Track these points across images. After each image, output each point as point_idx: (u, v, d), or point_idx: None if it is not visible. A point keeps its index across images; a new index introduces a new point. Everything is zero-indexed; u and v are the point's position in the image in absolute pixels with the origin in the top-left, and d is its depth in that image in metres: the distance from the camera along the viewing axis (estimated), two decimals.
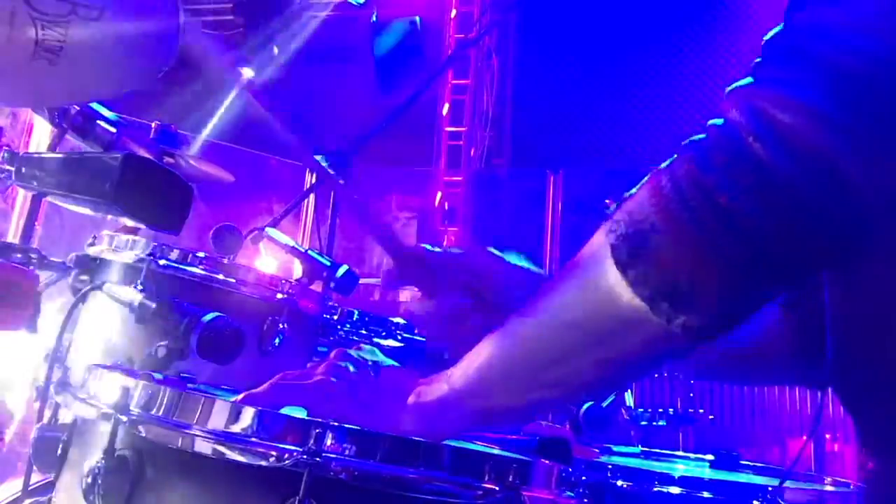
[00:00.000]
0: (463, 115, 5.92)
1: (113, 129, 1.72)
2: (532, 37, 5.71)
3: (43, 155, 1.49)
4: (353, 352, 0.96)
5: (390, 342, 2.11)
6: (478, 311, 0.97)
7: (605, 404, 1.47)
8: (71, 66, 1.13)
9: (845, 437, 3.17)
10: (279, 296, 1.80)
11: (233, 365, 1.32)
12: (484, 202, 5.76)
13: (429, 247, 1.02)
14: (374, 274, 5.28)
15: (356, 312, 2.09)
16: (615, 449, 1.44)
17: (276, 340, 1.77)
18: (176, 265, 1.69)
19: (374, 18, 5.74)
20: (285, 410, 0.81)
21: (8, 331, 1.28)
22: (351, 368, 0.90)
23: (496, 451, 0.95)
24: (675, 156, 0.67)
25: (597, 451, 1.36)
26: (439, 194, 5.81)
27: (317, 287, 1.96)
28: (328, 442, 0.71)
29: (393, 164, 5.42)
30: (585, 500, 0.81)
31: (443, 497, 0.71)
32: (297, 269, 2.02)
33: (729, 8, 5.27)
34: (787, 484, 1.02)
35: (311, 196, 3.59)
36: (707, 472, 1.30)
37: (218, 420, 0.75)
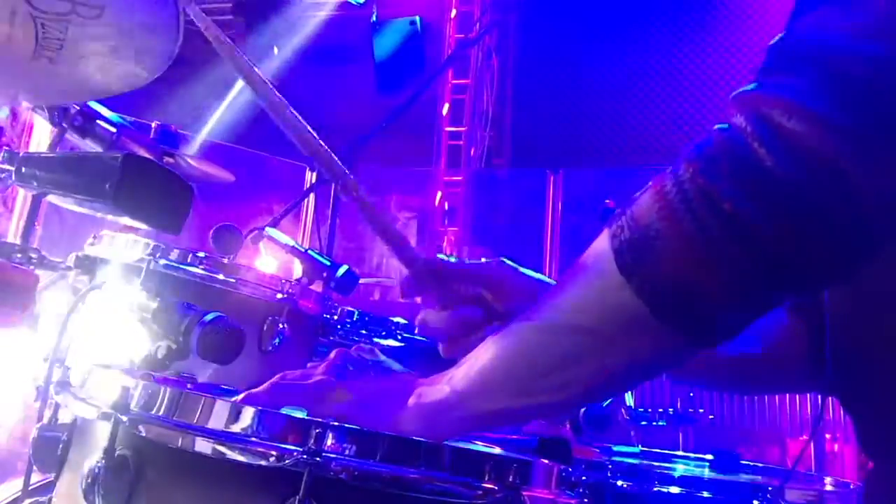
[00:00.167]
0: (463, 115, 5.92)
1: (113, 129, 1.72)
2: (532, 37, 5.71)
3: (43, 155, 1.49)
4: (353, 352, 0.96)
5: (390, 342, 2.11)
6: (491, 323, 0.97)
7: (605, 404, 1.47)
8: (71, 65, 1.13)
9: (845, 437, 3.17)
10: (279, 296, 1.80)
11: (233, 365, 1.32)
12: (484, 202, 5.76)
13: (444, 257, 1.01)
14: (374, 274, 5.28)
15: (356, 312, 2.09)
16: (615, 449, 1.44)
17: (276, 340, 1.77)
18: (176, 265, 1.69)
19: (374, 18, 5.74)
20: (285, 410, 0.81)
21: (8, 330, 1.28)
22: (351, 368, 0.90)
23: (496, 451, 0.95)
24: (680, 160, 0.66)
25: (597, 451, 1.36)
26: (439, 194, 5.81)
27: (317, 287, 1.96)
28: (328, 442, 0.71)
29: (393, 164, 5.42)
30: (585, 500, 0.81)
31: (443, 497, 0.71)
32: (297, 269, 2.02)
33: (729, 8, 5.27)
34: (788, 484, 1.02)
35: (311, 196, 3.59)
36: (707, 472, 1.30)
37: (218, 420, 0.75)
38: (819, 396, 1.12)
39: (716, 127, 0.65)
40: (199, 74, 4.70)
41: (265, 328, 1.77)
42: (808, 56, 0.62)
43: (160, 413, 0.78)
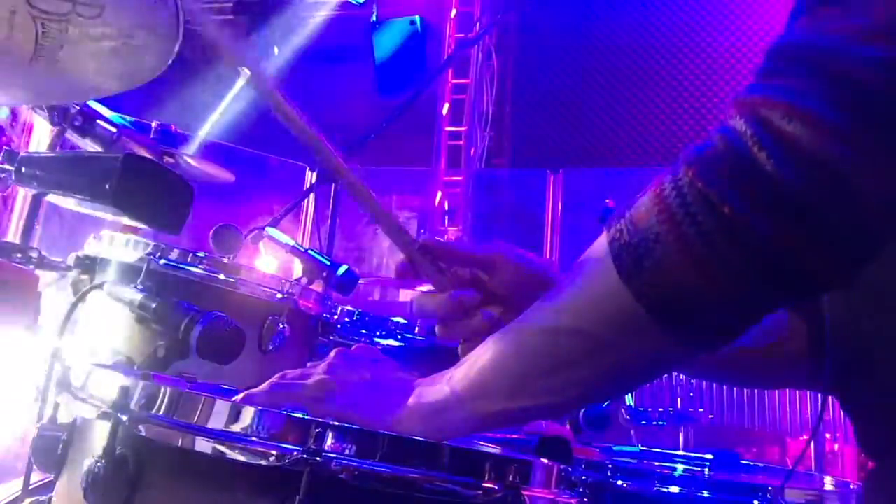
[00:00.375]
0: (463, 115, 5.92)
1: (113, 129, 1.72)
2: (532, 37, 5.71)
3: (43, 155, 1.49)
4: (353, 351, 0.96)
5: (390, 342, 2.11)
6: (487, 305, 0.97)
7: (604, 404, 1.47)
8: (71, 66, 1.13)
9: (845, 437, 3.17)
10: (279, 296, 1.81)
11: (233, 365, 1.32)
12: (484, 202, 5.76)
13: (438, 240, 1.02)
14: (374, 274, 5.29)
15: (356, 312, 2.09)
16: (615, 449, 1.44)
17: (276, 340, 1.77)
18: (176, 265, 1.69)
19: (374, 18, 5.74)
20: (285, 411, 0.81)
21: (8, 330, 1.28)
22: (351, 368, 0.90)
23: (496, 451, 0.95)
24: (679, 163, 0.66)
25: (597, 451, 1.36)
26: (439, 194, 5.81)
27: (317, 287, 1.96)
28: (328, 442, 0.71)
29: (393, 164, 5.42)
30: (585, 500, 0.81)
31: (443, 497, 0.71)
32: (297, 269, 2.02)
33: (730, 8, 5.27)
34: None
35: (311, 196, 3.59)
36: (707, 472, 1.30)
37: (218, 420, 0.75)
38: (819, 396, 1.12)
39: (715, 130, 0.65)
40: (199, 74, 4.70)
41: (265, 328, 1.77)
42: (808, 59, 0.62)
43: (160, 413, 0.78)
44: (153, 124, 2.09)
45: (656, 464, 1.38)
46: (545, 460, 0.79)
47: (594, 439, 1.46)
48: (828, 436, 3.11)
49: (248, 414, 0.74)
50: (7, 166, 1.37)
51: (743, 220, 0.60)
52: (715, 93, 5.18)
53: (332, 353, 0.93)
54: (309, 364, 0.93)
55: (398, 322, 2.13)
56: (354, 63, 5.73)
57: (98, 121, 1.66)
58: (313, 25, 5.71)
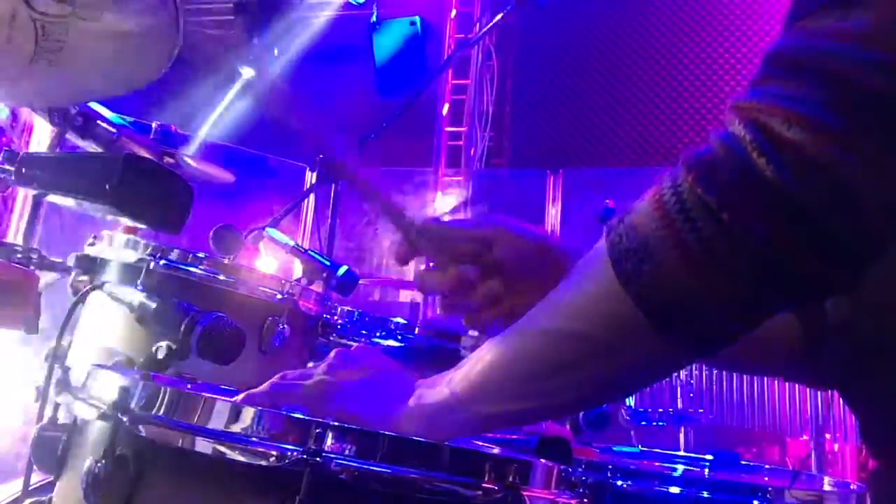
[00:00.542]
0: (463, 115, 5.92)
1: (113, 129, 1.72)
2: (532, 37, 5.71)
3: (43, 155, 1.49)
4: (353, 351, 0.96)
5: (390, 342, 2.11)
6: (488, 278, 0.97)
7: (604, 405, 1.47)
8: (71, 67, 1.13)
9: (845, 437, 3.17)
10: (279, 296, 1.80)
11: (233, 365, 1.32)
12: (484, 202, 5.76)
13: (437, 219, 1.02)
14: (374, 274, 5.28)
15: (356, 312, 2.09)
16: (615, 449, 1.44)
17: (276, 340, 1.77)
18: (176, 265, 1.69)
19: (374, 18, 5.74)
20: (285, 411, 0.81)
21: (8, 330, 1.28)
22: (351, 368, 0.90)
23: (496, 451, 0.95)
24: (678, 168, 0.66)
25: (597, 451, 1.36)
26: (439, 194, 5.81)
27: (317, 287, 1.97)
28: (328, 442, 0.71)
29: (393, 164, 5.42)
30: (585, 500, 0.81)
31: (443, 497, 0.71)
32: (297, 269, 2.03)
33: (730, 9, 5.27)
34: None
35: (311, 196, 3.58)
36: (707, 472, 1.30)
37: (218, 420, 0.75)
38: (819, 396, 1.12)
39: (714, 134, 0.65)
40: (199, 75, 4.70)
41: (265, 328, 1.77)
42: (807, 63, 0.61)
43: (160, 413, 0.78)
44: (153, 125, 2.09)
45: (656, 464, 1.38)
46: (545, 460, 0.79)
47: (594, 439, 1.46)
48: (828, 436, 3.11)
49: (248, 414, 0.74)
50: (7, 167, 1.37)
51: (742, 226, 0.60)
52: (715, 93, 5.18)
53: (332, 353, 0.93)
54: (309, 364, 0.93)
55: (398, 322, 2.13)
56: (354, 63, 5.73)
57: (98, 121, 1.66)
58: (313, 26, 5.71)
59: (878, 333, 0.79)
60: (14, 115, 3.57)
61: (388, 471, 0.71)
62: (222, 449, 0.73)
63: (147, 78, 1.20)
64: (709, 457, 1.39)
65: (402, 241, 0.99)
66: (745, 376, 3.03)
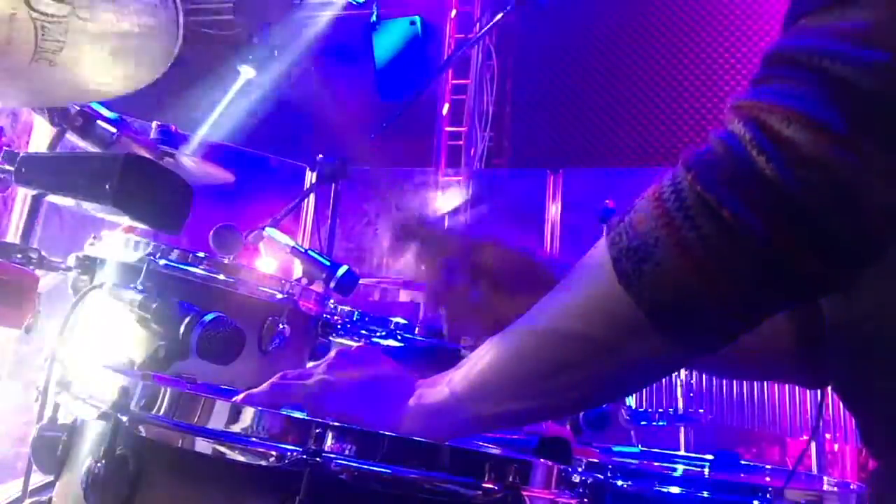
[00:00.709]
0: (463, 115, 5.92)
1: (113, 129, 1.72)
2: (532, 37, 5.71)
3: (43, 155, 1.49)
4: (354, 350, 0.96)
5: (390, 342, 2.11)
6: (474, 286, 0.98)
7: (604, 405, 1.47)
8: (71, 67, 1.13)
9: (845, 437, 3.17)
10: (279, 296, 1.80)
11: (233, 365, 1.32)
12: (484, 202, 5.76)
13: (429, 224, 1.04)
14: (374, 274, 5.28)
15: (356, 312, 2.09)
16: (615, 449, 1.44)
17: (276, 340, 1.77)
18: (176, 265, 1.69)
19: (374, 18, 5.74)
20: (285, 411, 0.81)
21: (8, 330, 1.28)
22: (351, 368, 0.90)
23: (496, 451, 0.95)
24: (678, 167, 0.66)
25: (597, 451, 1.36)
26: (439, 194, 5.81)
27: (317, 287, 1.97)
28: (328, 442, 0.71)
29: (393, 164, 5.42)
30: (585, 500, 0.81)
31: (443, 497, 0.71)
32: (297, 269, 2.03)
33: (730, 9, 5.27)
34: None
35: (311, 196, 3.58)
36: (707, 472, 1.30)
37: (218, 420, 0.75)
38: (819, 396, 1.12)
39: (714, 134, 0.65)
40: (199, 75, 4.70)
41: (265, 328, 1.77)
42: (806, 63, 0.61)
43: (160, 413, 0.78)
44: (153, 124, 2.09)
45: (656, 464, 1.38)
46: (545, 460, 0.79)
47: (594, 439, 1.46)
48: (828, 436, 3.11)
49: (248, 414, 0.74)
50: (7, 166, 1.37)
51: (742, 224, 0.60)
52: (715, 93, 5.17)
53: (332, 353, 0.93)
54: (309, 364, 0.93)
55: (398, 322, 2.13)
56: (354, 63, 5.73)
57: (98, 121, 1.66)
58: (313, 26, 5.71)
59: (878, 334, 0.79)
60: (14, 115, 3.57)
61: (388, 471, 0.71)
62: (222, 449, 0.73)
63: (147, 78, 1.20)
64: (709, 457, 1.38)
65: (398, 231, 1.01)
66: None
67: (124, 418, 0.78)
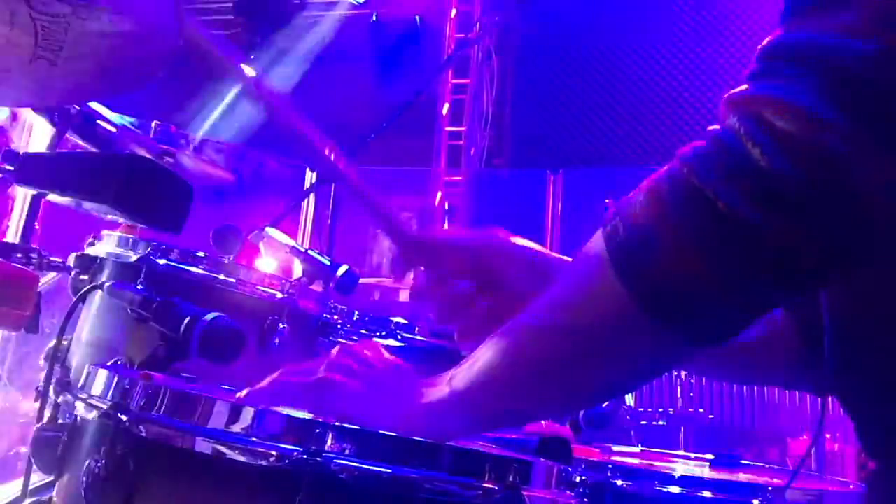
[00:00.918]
0: (463, 115, 5.91)
1: (113, 129, 1.72)
2: (532, 37, 5.71)
3: (43, 155, 1.49)
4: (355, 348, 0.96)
5: (390, 342, 2.11)
6: (484, 295, 0.97)
7: (604, 404, 1.47)
8: (71, 67, 1.13)
9: (845, 437, 3.17)
10: (279, 296, 1.80)
11: (233, 365, 1.32)
12: (484, 202, 5.76)
13: (431, 233, 1.03)
14: (374, 274, 5.28)
15: (356, 312, 2.09)
16: (615, 449, 1.44)
17: (276, 340, 1.77)
18: (176, 265, 1.69)
19: (374, 18, 5.74)
20: (286, 409, 0.81)
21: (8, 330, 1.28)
22: (352, 366, 0.90)
23: (496, 451, 0.95)
24: (674, 161, 0.66)
25: (597, 450, 1.36)
26: (439, 194, 5.80)
27: (317, 287, 1.96)
28: (328, 442, 0.71)
29: (393, 164, 5.41)
30: (585, 500, 0.81)
31: (443, 497, 0.71)
32: (297, 269, 2.02)
33: (729, 8, 5.27)
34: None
35: (311, 196, 3.59)
36: (707, 472, 1.30)
37: (218, 420, 0.75)
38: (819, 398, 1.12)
39: (710, 129, 0.65)
40: (199, 74, 4.69)
41: (265, 328, 1.77)
42: (799, 55, 0.62)
43: (160, 413, 0.78)
44: (153, 124, 2.09)
45: (656, 464, 1.38)
46: (545, 460, 0.79)
47: (594, 439, 1.46)
48: (828, 436, 3.11)
49: (248, 414, 0.74)
50: (7, 166, 1.37)
51: (738, 215, 0.60)
52: (715, 93, 5.17)
53: (334, 351, 0.93)
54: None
55: (398, 322, 2.13)
56: (354, 63, 5.73)
57: (98, 121, 1.66)
58: (313, 26, 5.71)
59: (877, 334, 0.79)
60: (14, 115, 3.57)
61: (388, 471, 0.71)
62: (222, 449, 0.73)
63: (147, 78, 1.20)
64: (709, 457, 1.38)
65: (398, 255, 1.00)
66: None
67: (124, 418, 0.78)
